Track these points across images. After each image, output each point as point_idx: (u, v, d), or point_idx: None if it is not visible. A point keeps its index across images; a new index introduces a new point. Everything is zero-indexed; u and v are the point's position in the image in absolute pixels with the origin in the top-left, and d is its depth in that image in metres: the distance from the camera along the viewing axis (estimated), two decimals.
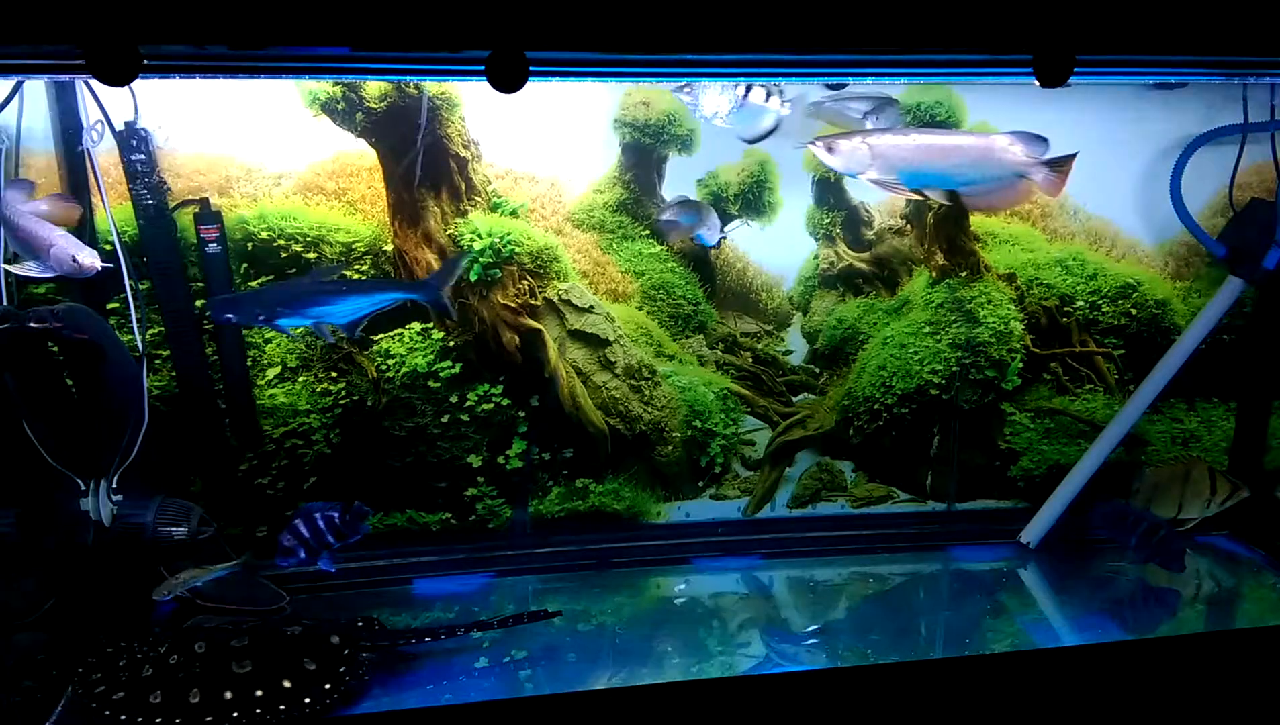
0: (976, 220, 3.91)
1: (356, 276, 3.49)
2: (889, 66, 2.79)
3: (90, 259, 2.89)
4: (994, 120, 3.71)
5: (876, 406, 3.89)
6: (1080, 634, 3.29)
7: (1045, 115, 3.75)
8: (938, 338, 3.86)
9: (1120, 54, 2.74)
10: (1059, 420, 3.93)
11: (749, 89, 3.07)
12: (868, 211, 4.11)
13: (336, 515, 2.98)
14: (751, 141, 3.25)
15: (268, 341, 3.46)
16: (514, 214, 3.58)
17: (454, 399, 3.56)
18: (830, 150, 2.94)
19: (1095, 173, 3.99)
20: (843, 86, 3.45)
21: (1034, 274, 3.95)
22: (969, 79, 3.47)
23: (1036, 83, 2.59)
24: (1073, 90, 2.67)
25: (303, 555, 2.97)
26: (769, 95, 3.09)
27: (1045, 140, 2.99)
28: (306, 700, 2.66)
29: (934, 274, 3.92)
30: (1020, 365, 3.88)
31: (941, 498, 4.00)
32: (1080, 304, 3.97)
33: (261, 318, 3.01)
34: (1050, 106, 3.74)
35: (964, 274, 3.87)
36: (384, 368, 3.52)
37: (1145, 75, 3.43)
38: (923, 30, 2.52)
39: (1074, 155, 3.02)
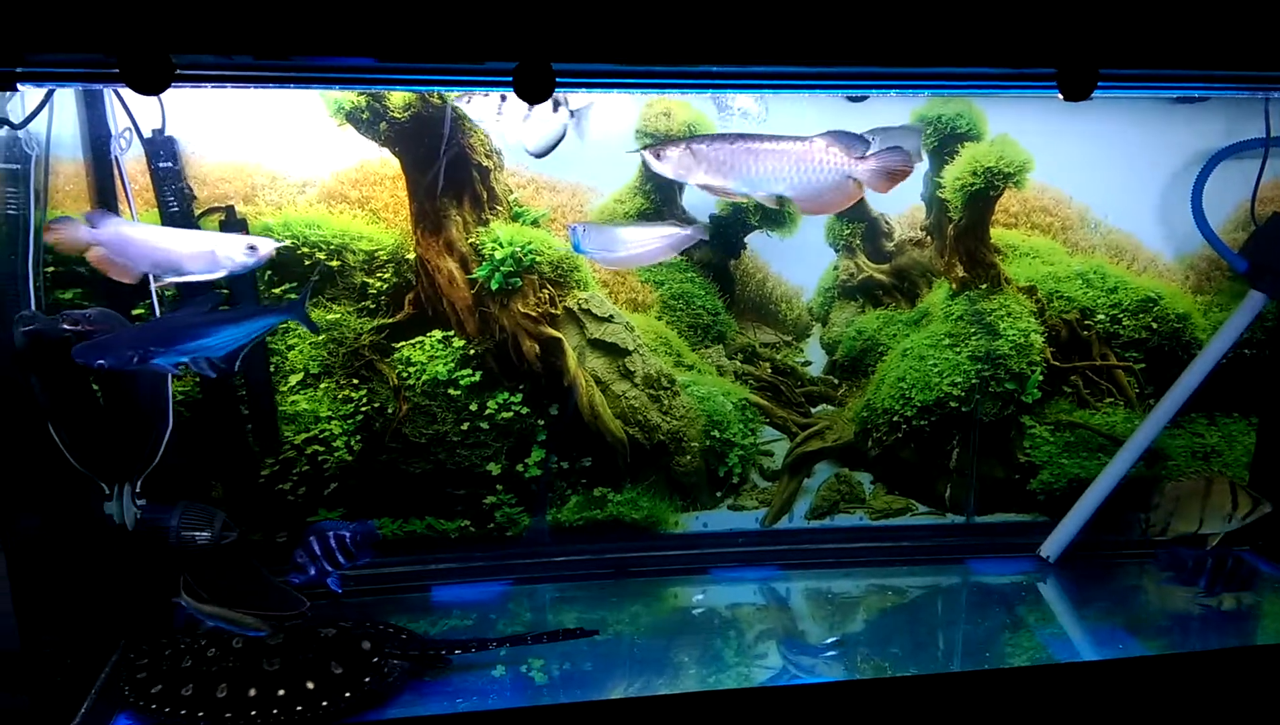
0: (997, 233, 3.91)
1: (379, 284, 3.53)
2: (912, 79, 2.81)
3: (269, 245, 2.94)
4: (1015, 133, 3.71)
5: (895, 418, 3.88)
6: (1101, 649, 3.27)
7: (1067, 128, 3.78)
8: (957, 350, 3.85)
9: (1144, 68, 2.75)
10: (1079, 434, 3.92)
11: None
12: (888, 223, 4.11)
13: (348, 535, 3.01)
14: (539, 155, 3.21)
15: (290, 347, 3.48)
16: (535, 223, 3.60)
17: (474, 407, 3.58)
18: (658, 157, 2.97)
19: (1117, 186, 3.99)
20: (864, 99, 3.46)
21: (1054, 287, 3.94)
22: (992, 92, 3.48)
23: (1060, 96, 2.59)
24: (1094, 103, 2.68)
25: (313, 573, 3.01)
26: (556, 106, 3.03)
27: (866, 140, 2.97)
28: (324, 703, 2.68)
29: (954, 286, 3.92)
30: (1040, 378, 3.87)
31: (960, 510, 3.99)
32: (1101, 317, 3.96)
33: (135, 358, 2.79)
34: (1072, 119, 3.75)
35: (984, 286, 3.87)
36: (405, 375, 3.54)
37: (1169, 89, 3.43)
38: (946, 43, 2.53)
39: (907, 161, 3.00)
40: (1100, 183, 3.97)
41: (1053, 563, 3.79)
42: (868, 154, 2.93)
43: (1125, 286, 3.99)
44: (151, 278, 3.12)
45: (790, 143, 2.96)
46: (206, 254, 2.92)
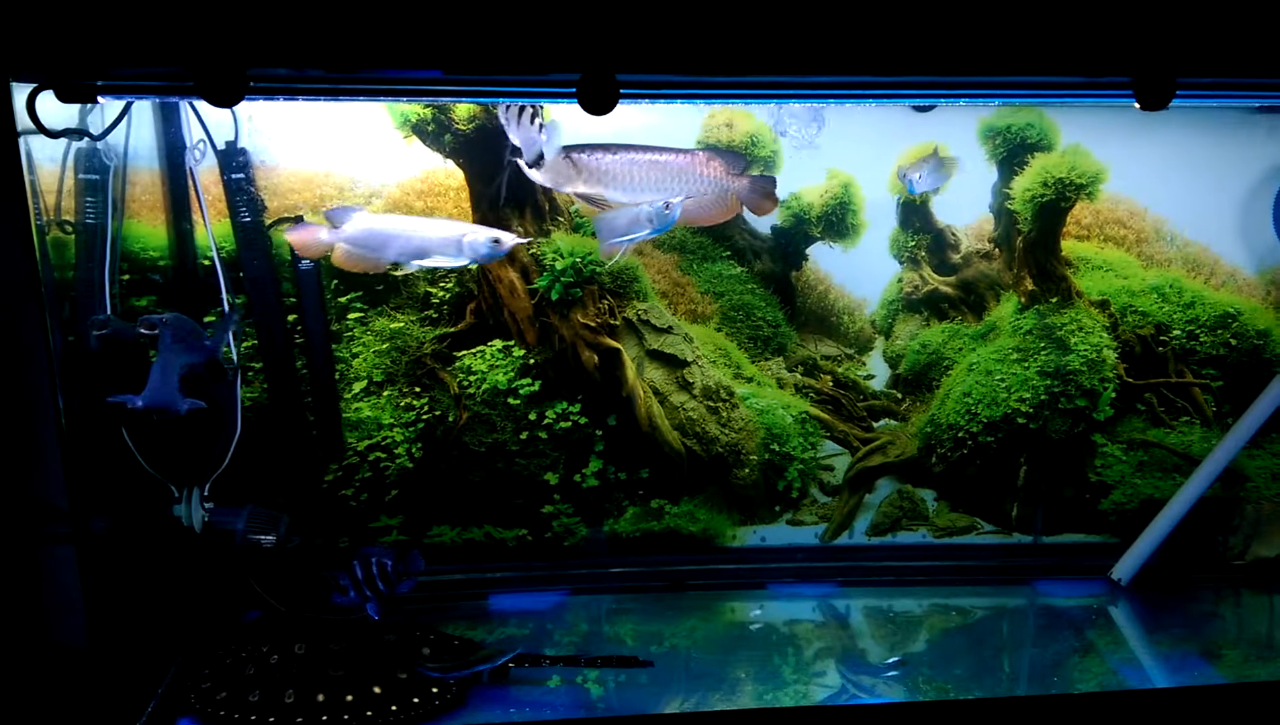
0: (1069, 245, 3.82)
1: (441, 294, 3.57)
2: (982, 89, 2.76)
3: (510, 238, 3.05)
4: (1087, 142, 3.62)
5: (961, 434, 3.80)
6: (1175, 676, 3.16)
7: (1140, 138, 3.69)
8: (1026, 365, 3.76)
9: (1223, 76, 2.67)
10: (1153, 453, 3.80)
11: (520, 111, 2.96)
12: (954, 235, 4.04)
13: (390, 563, 3.02)
14: (531, 165, 3.19)
15: (355, 355, 3.54)
16: (595, 234, 3.61)
17: (533, 416, 3.59)
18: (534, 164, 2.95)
19: (1194, 198, 3.88)
20: (931, 109, 3.41)
21: (1128, 301, 3.84)
22: (1066, 101, 3.40)
23: (1136, 105, 2.53)
24: (1172, 112, 2.60)
25: (353, 596, 3.02)
26: (533, 119, 2.98)
27: (742, 157, 3.02)
28: (394, 708, 2.70)
29: (1023, 299, 3.83)
30: (1113, 395, 3.76)
31: (1028, 530, 3.89)
32: (1177, 333, 3.84)
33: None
34: (1145, 130, 3.66)
35: (1054, 300, 3.78)
36: (465, 384, 3.57)
37: (1249, 98, 3.32)
38: (1018, 52, 2.48)
39: (772, 178, 3.08)
40: (1177, 194, 3.86)
41: (1124, 586, 3.67)
42: (742, 171, 2.95)
43: (1203, 301, 3.87)
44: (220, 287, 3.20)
45: (671, 155, 2.97)
46: (454, 241, 3.02)
